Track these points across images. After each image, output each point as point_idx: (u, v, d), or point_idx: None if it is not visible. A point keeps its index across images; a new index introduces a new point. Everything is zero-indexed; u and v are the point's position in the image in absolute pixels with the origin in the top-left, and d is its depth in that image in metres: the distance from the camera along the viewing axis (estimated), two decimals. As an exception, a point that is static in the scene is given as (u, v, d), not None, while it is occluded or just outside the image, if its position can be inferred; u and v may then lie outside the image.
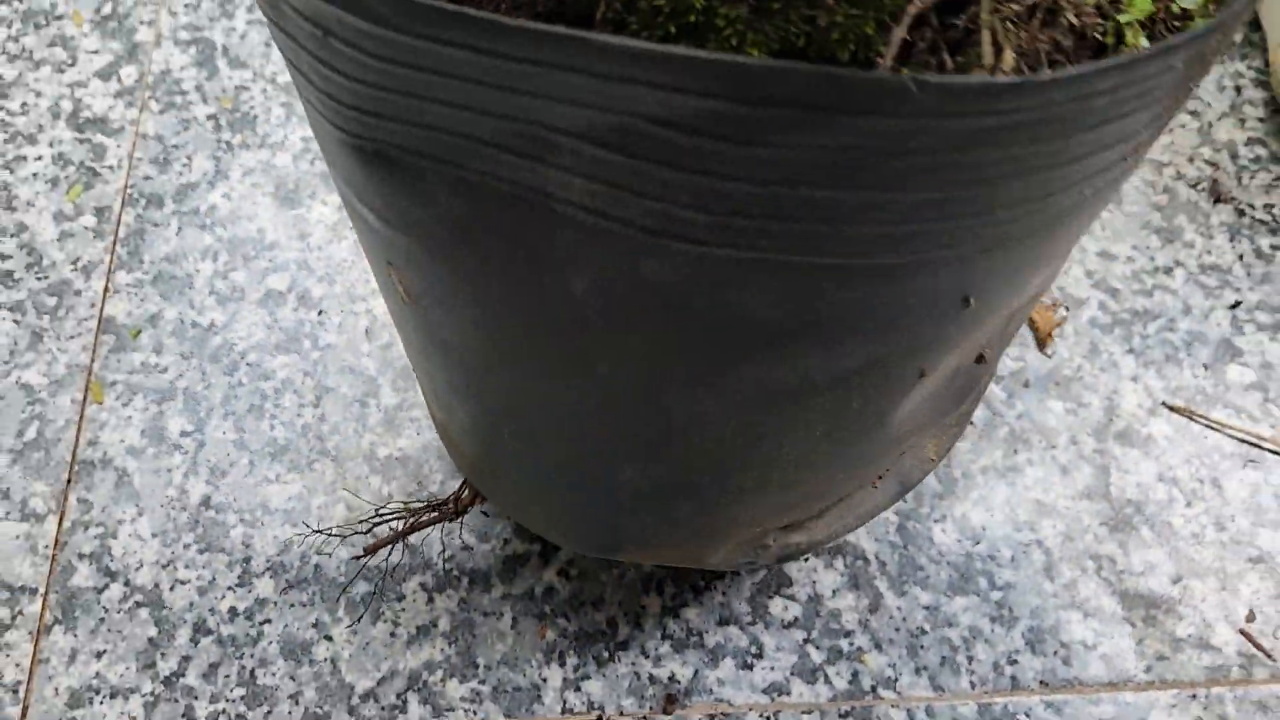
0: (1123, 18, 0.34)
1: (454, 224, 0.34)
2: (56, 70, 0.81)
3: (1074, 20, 0.34)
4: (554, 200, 0.30)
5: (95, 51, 0.82)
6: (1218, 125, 0.81)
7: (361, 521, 0.59)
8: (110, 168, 0.77)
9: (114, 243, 0.74)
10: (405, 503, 0.62)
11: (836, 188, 0.29)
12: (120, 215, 0.75)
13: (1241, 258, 0.76)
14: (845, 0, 0.29)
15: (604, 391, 0.39)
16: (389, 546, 0.59)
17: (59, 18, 0.84)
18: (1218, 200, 0.78)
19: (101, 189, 0.76)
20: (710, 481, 0.45)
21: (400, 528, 0.58)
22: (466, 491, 0.58)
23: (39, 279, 0.73)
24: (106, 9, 0.84)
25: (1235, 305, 0.74)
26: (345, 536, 0.64)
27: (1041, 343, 0.72)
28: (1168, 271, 0.75)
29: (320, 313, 0.72)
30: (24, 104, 0.80)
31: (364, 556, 0.59)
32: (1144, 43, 0.34)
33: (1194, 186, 0.79)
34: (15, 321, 0.71)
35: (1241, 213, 0.77)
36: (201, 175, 0.77)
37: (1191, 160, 0.80)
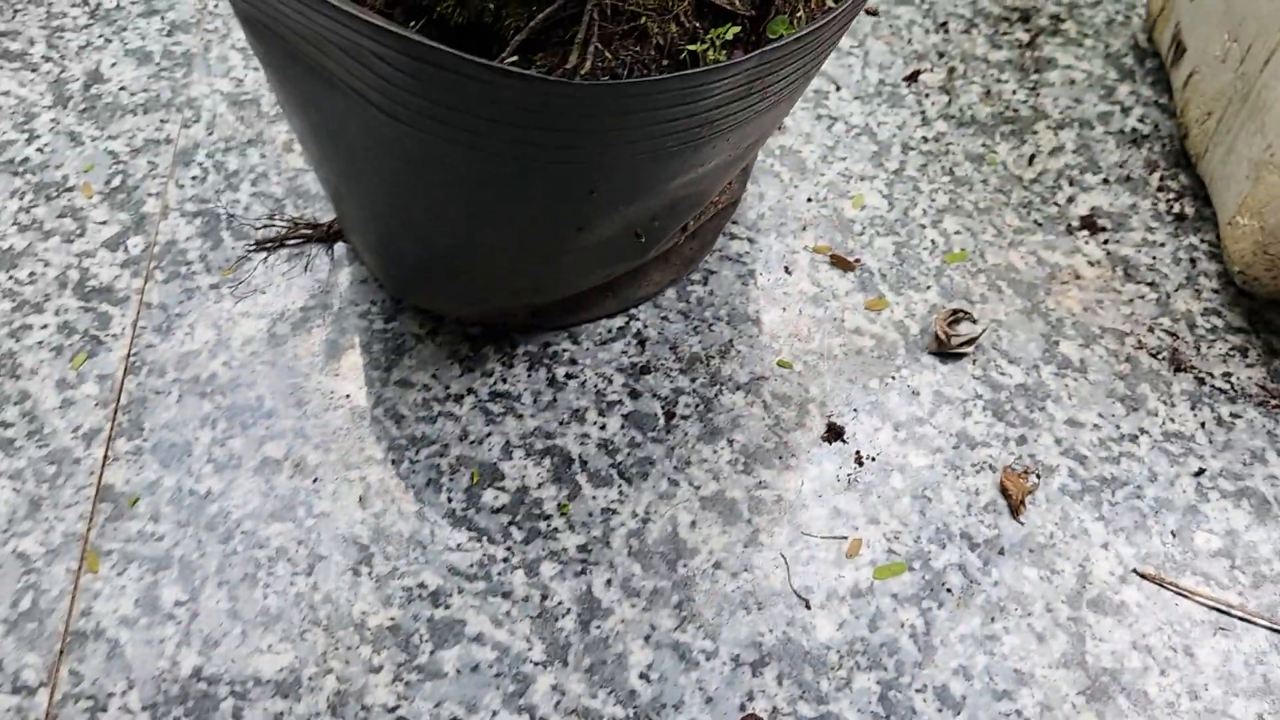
0: (696, 46, 0.60)
1: (285, 71, 0.64)
2: (65, 240, 0.85)
3: (661, 41, 0.59)
4: (335, 77, 0.59)
5: (104, 222, 0.86)
6: (1175, 296, 0.86)
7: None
8: (114, 336, 0.79)
9: (115, 410, 0.76)
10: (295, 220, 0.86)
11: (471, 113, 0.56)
12: (122, 383, 0.77)
13: (1203, 425, 0.79)
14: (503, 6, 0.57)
15: (377, 188, 0.69)
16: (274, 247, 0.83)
17: (70, 189, 0.88)
18: (1178, 369, 0.82)
19: (105, 357, 0.79)
20: (453, 261, 0.74)
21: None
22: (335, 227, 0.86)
23: (40, 446, 0.74)
24: (116, 181, 0.88)
25: (1199, 473, 0.77)
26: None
27: (1015, 510, 0.74)
28: (1133, 439, 0.78)
29: (315, 480, 0.73)
30: (32, 273, 0.83)
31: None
32: (721, 58, 0.60)
33: (1155, 356, 0.82)
34: (15, 490, 0.72)
35: (1201, 381, 0.81)
36: (203, 344, 0.79)
37: (1151, 330, 0.84)
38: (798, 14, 0.64)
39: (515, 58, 0.58)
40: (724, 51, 0.61)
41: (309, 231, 0.86)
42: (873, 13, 1.04)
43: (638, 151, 0.61)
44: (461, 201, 0.66)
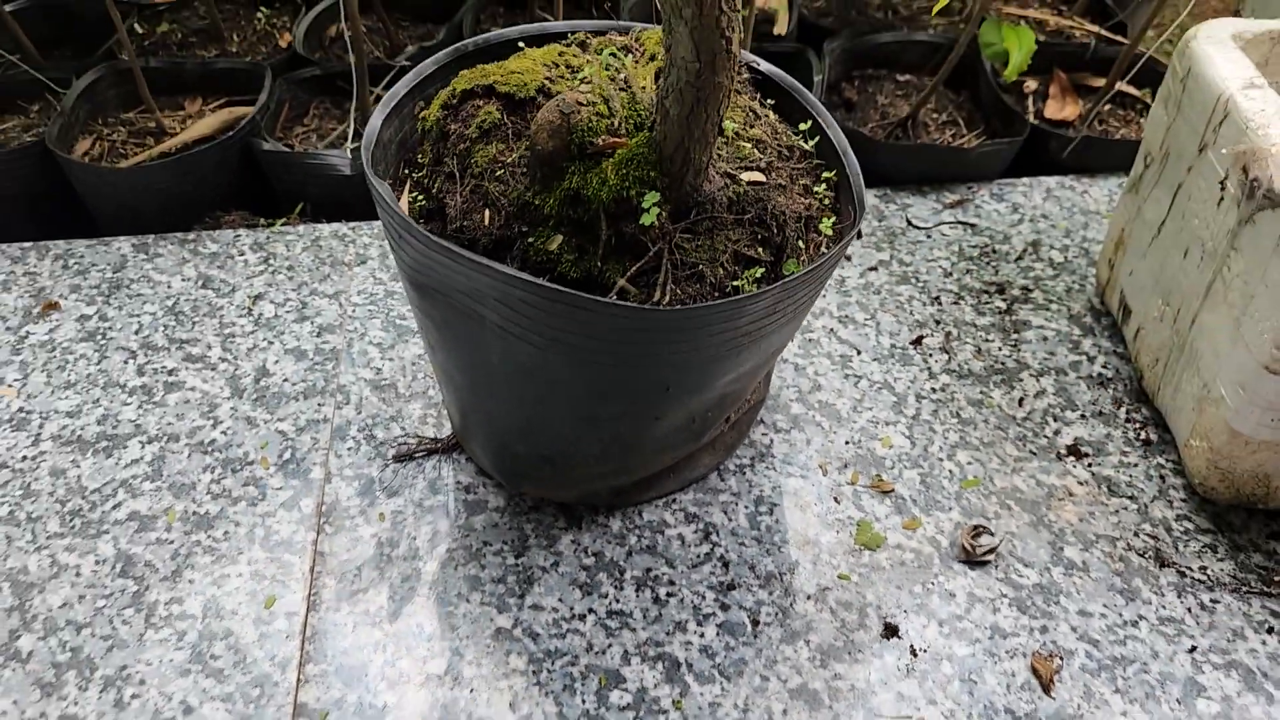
0: (737, 282, 0.84)
1: (446, 319, 0.88)
2: (250, 504, 1.04)
3: (712, 280, 0.83)
4: (486, 320, 0.83)
5: (280, 488, 1.06)
6: (1152, 506, 1.06)
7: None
8: (296, 579, 0.98)
9: (302, 641, 0.93)
10: (422, 437, 1.11)
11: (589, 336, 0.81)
12: (306, 618, 0.95)
13: (1190, 610, 0.96)
14: (605, 260, 0.82)
15: (507, 401, 0.94)
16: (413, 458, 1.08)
17: (251, 463, 1.08)
18: (1163, 565, 1.00)
19: (290, 597, 0.96)
20: (560, 452, 0.98)
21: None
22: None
23: (244, 674, 0.91)
24: (287, 455, 1.09)
25: (1192, 649, 0.93)
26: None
27: (1046, 688, 0.90)
28: (1134, 624, 0.95)
29: (471, 690, 0.90)
30: (226, 532, 1.02)
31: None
32: (754, 289, 0.83)
33: (1142, 555, 1.01)
34: (227, 711, 0.88)
35: (1183, 574, 0.99)
36: (369, 581, 0.97)
37: (1137, 534, 1.03)
38: (802, 256, 0.88)
39: (616, 296, 0.81)
40: (755, 285, 0.85)
41: (433, 444, 1.09)
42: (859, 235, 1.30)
43: (699, 358, 0.85)
44: (572, 404, 0.91)
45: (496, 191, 0.87)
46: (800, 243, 0.89)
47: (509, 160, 0.88)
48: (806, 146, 0.99)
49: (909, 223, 1.40)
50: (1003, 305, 1.28)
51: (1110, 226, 1.24)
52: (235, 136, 1.41)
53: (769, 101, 1.04)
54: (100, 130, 1.48)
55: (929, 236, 1.38)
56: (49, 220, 1.44)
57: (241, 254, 1.34)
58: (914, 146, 1.44)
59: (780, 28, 1.66)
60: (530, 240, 0.85)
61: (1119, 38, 1.65)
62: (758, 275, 0.86)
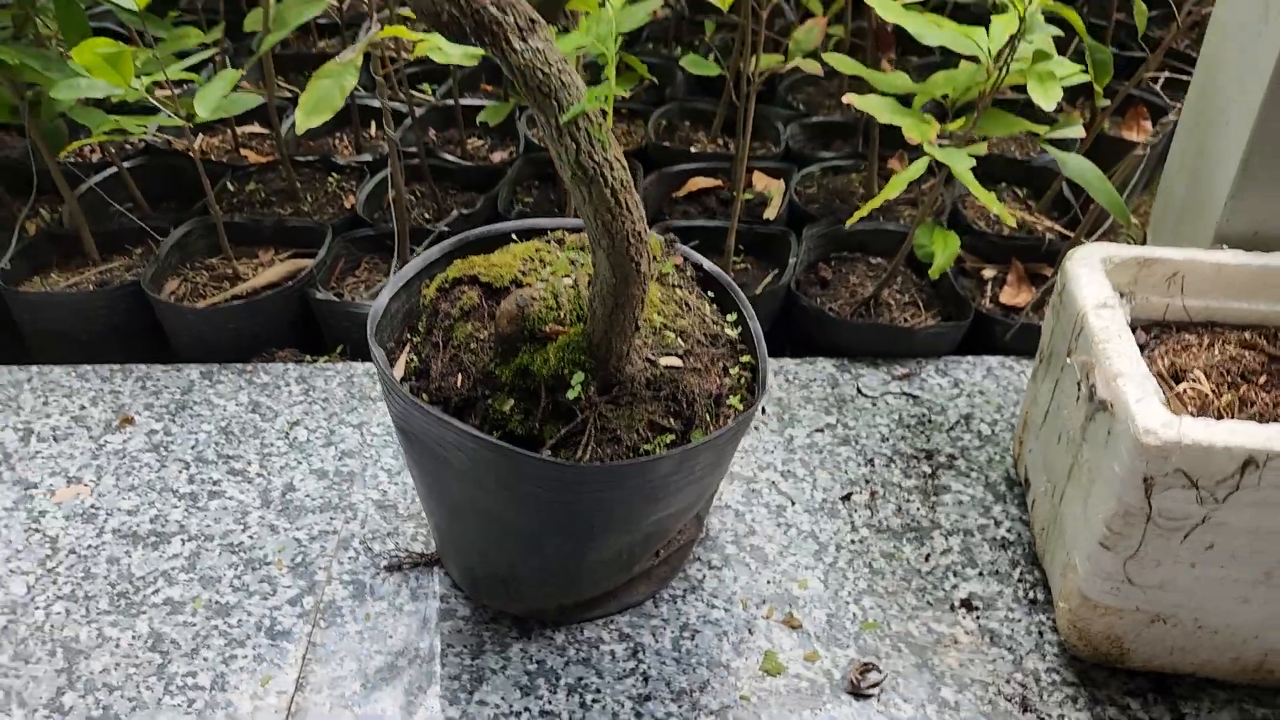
0: (648, 446, 1.06)
1: (421, 460, 1.13)
2: (263, 598, 1.26)
3: (628, 443, 1.05)
4: (450, 463, 1.07)
5: (289, 586, 1.28)
6: (1027, 658, 1.21)
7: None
8: (290, 664, 1.18)
9: (287, 715, 1.13)
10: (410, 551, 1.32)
11: (527, 483, 1.05)
12: (293, 697, 1.15)
13: (1041, 751, 1.11)
14: (543, 423, 1.05)
15: (468, 529, 1.18)
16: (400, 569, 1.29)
17: (268, 564, 1.30)
18: (1026, 710, 1.15)
19: (282, 678, 1.17)
20: (510, 575, 1.19)
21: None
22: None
23: (237, 738, 1.11)
24: (299, 559, 1.31)
25: (1035, 785, 1.08)
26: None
27: (900, 806, 1.05)
28: (988, 759, 1.10)
29: (417, 768, 1.08)
30: (239, 620, 1.23)
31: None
32: (660, 452, 1.06)
33: (1009, 700, 1.16)
34: (219, 766, 1.08)
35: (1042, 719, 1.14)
36: (349, 671, 1.18)
37: (1008, 682, 1.18)
38: (709, 428, 1.08)
39: (549, 453, 1.02)
40: (664, 449, 1.05)
41: (419, 558, 1.30)
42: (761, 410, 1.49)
43: (618, 504, 1.07)
44: (517, 536, 1.13)
45: (469, 361, 1.10)
46: (709, 415, 1.10)
47: (481, 337, 1.12)
48: (732, 334, 1.20)
49: (859, 390, 1.59)
50: (928, 470, 1.46)
51: (1021, 408, 1.42)
52: (295, 286, 1.69)
53: (710, 293, 1.26)
54: (187, 273, 1.78)
55: (875, 404, 1.57)
56: (137, 345, 1.72)
57: (287, 385, 1.59)
58: (870, 325, 1.64)
59: (771, 213, 1.91)
60: (490, 402, 1.07)
61: (1069, 234, 1.85)
62: (667, 441, 1.07)
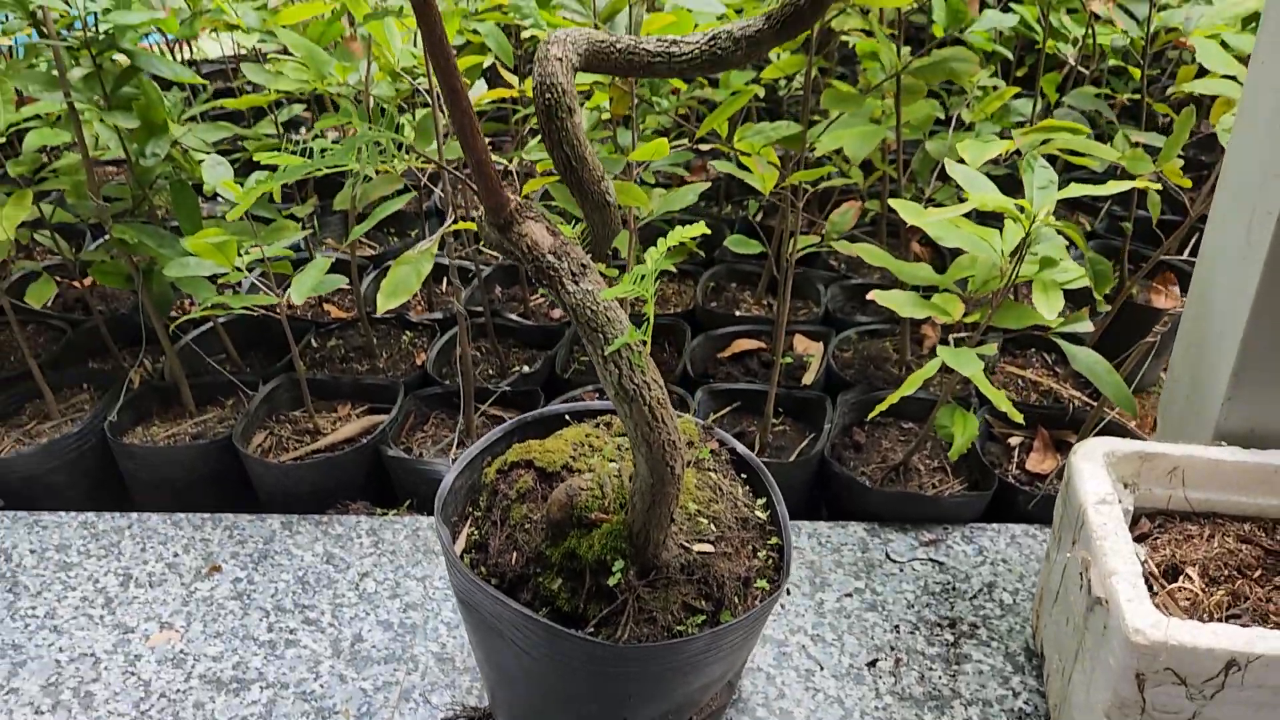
0: (682, 627, 1.15)
1: (477, 626, 1.25)
2: (330, 746, 1.38)
3: (663, 623, 1.16)
4: (503, 633, 1.20)
5: (354, 735, 1.40)
6: (1039, 832, 1.28)
7: None
8: (353, 811, 1.30)
9: None
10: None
11: (570, 655, 1.17)
12: (355, 843, 1.26)
13: None
14: (587, 602, 1.17)
15: (517, 691, 1.29)
16: None
17: (336, 713, 1.43)
18: None
19: (346, 825, 1.28)
20: None
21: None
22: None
23: None
24: (364, 709, 1.43)
25: None
26: None
27: None
28: None
29: None
30: (309, 766, 1.35)
31: None
32: (693, 632, 1.17)
33: None
34: None
35: None
36: (406, 821, 1.28)
37: None
38: (737, 609, 1.19)
39: (592, 631, 1.14)
40: (696, 629, 1.16)
41: (473, 712, 1.41)
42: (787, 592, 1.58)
43: (653, 677, 1.16)
44: (561, 701, 1.23)
45: (523, 540, 1.24)
46: (737, 597, 1.22)
47: (535, 518, 1.25)
48: (762, 516, 1.33)
49: (887, 556, 1.69)
50: (951, 638, 1.55)
51: (1039, 580, 1.51)
52: (369, 442, 1.85)
53: (743, 475, 1.39)
54: (273, 426, 1.95)
55: (901, 570, 1.67)
56: (228, 492, 1.89)
57: (359, 537, 1.74)
58: (898, 494, 1.75)
59: (809, 378, 2.04)
60: (541, 580, 1.20)
61: (1093, 403, 1.95)
62: (699, 621, 1.18)
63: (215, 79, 3.48)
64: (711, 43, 1.16)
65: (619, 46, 1.15)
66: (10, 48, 2.47)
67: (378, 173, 1.89)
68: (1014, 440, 1.91)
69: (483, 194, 1.08)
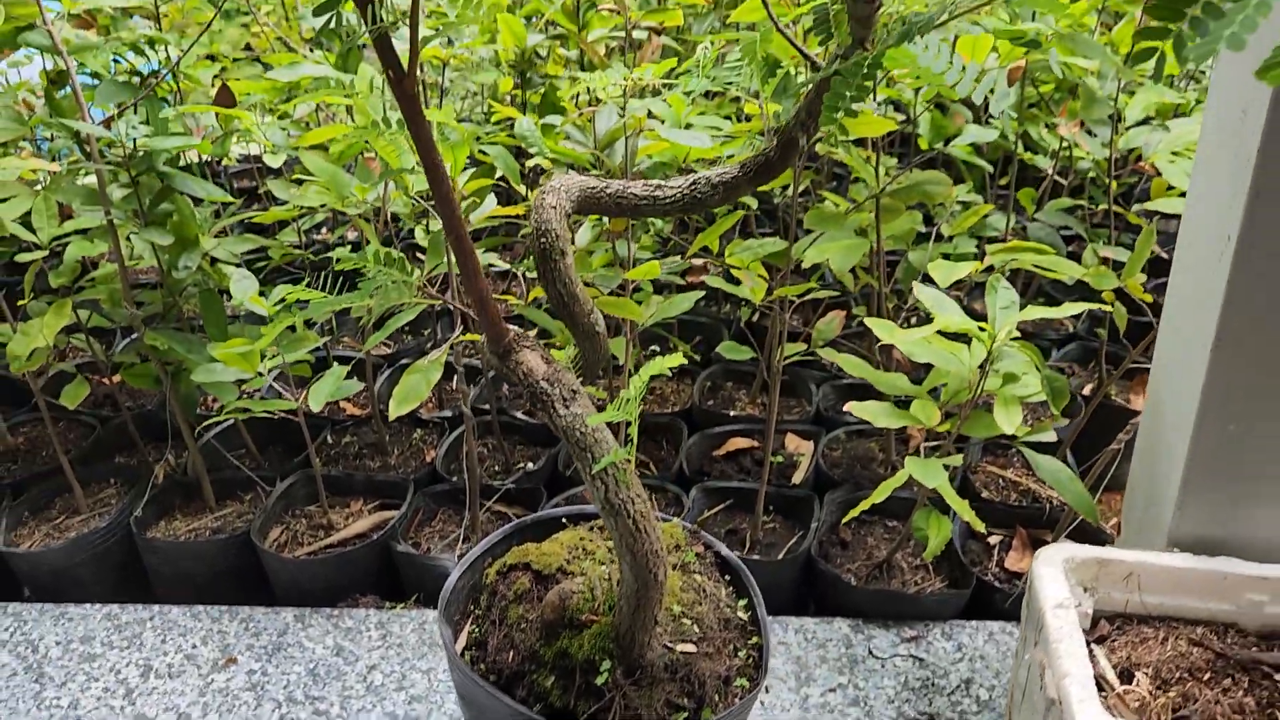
0: (673, 718, 1.12)
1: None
2: (336, 834, 1.46)
3: (648, 717, 1.23)
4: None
5: (359, 824, 1.47)
6: None
7: None
8: None
9: None
10: None
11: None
12: None
13: None
14: (578, 699, 1.21)
15: None
16: None
17: (342, 801, 1.51)
18: None
19: None
20: None
21: None
22: None
23: None
24: (368, 797, 1.51)
25: None
26: None
27: None
28: None
29: None
30: None
31: None
32: None
33: None
34: None
35: None
36: None
37: None
38: (718, 706, 1.27)
39: None
40: None
41: None
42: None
43: None
44: None
45: (519, 639, 1.33)
46: (718, 695, 1.31)
47: (530, 618, 1.35)
48: (744, 617, 1.42)
49: (870, 652, 1.77)
50: (929, 733, 1.62)
51: (1010, 680, 1.58)
52: (379, 538, 1.95)
53: (726, 576, 1.49)
54: (289, 521, 2.06)
55: (884, 665, 1.75)
56: (244, 586, 1.99)
57: (368, 630, 1.83)
58: (881, 592, 1.84)
59: (798, 477, 2.14)
60: (535, 677, 1.30)
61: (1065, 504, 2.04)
62: (682, 719, 1.27)
63: (241, 178, 3.67)
64: (692, 187, 1.29)
65: (609, 191, 1.28)
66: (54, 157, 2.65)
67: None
68: (994, 539, 2.00)
69: (484, 326, 1.21)
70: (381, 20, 1.01)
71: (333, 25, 0.92)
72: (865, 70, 0.93)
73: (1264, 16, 0.62)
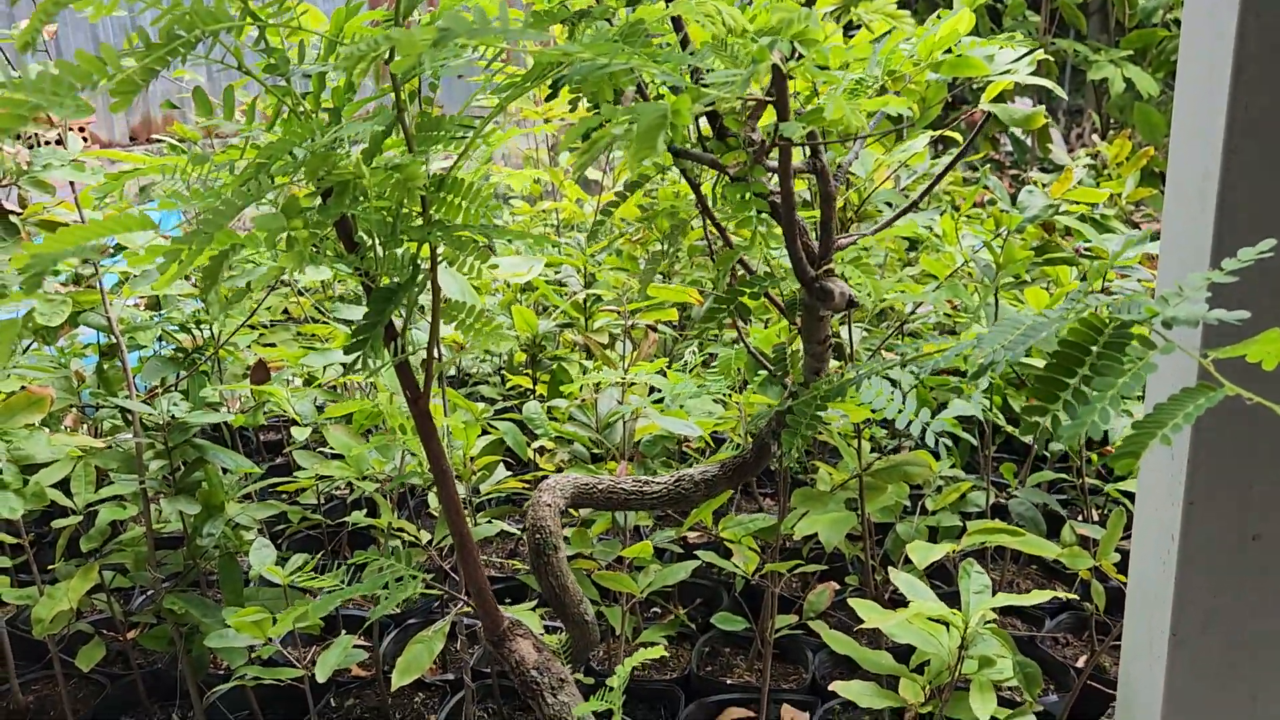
0: None
1: None
2: None
3: None
4: None
5: None
6: None
7: None
8: None
9: None
10: None
11: None
12: None
13: None
14: None
15: None
16: None
17: None
18: None
19: None
20: None
21: None
22: None
23: None
24: None
25: None
26: None
27: None
28: None
29: None
30: None
31: None
32: None
33: None
34: None
35: None
36: None
37: None
38: None
39: None
40: None
41: None
42: None
43: None
44: None
45: None
46: None
47: None
48: None
49: None
50: None
51: None
52: (374, 810, 1.96)
53: None
54: (286, 789, 2.07)
55: None
56: None
57: None
58: None
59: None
60: None
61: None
62: None
63: (268, 431, 3.85)
64: (677, 484, 1.43)
65: (600, 488, 1.41)
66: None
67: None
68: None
69: (481, 615, 1.31)
70: (404, 350, 1.18)
71: (358, 366, 1.08)
72: (816, 407, 1.07)
73: (1117, 409, 0.76)
